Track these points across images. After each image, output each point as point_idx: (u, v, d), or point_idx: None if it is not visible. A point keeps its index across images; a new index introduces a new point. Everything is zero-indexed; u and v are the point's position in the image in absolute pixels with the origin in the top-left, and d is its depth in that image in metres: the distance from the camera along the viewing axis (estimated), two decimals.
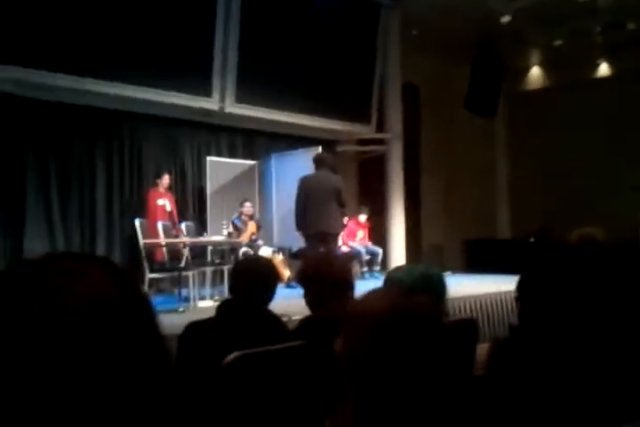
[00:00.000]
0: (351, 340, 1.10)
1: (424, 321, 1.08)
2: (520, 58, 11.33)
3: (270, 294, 2.50)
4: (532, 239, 9.95)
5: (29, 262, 0.62)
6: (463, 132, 11.17)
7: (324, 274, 2.43)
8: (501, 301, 5.91)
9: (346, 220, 8.07)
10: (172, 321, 2.47)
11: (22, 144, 6.77)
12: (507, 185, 11.87)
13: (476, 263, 9.56)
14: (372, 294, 1.28)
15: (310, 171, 6.42)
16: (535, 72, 11.86)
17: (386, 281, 2.78)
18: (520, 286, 1.77)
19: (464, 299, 5.60)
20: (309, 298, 2.51)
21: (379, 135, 9.34)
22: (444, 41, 9.73)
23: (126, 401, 0.58)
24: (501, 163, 11.98)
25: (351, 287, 2.51)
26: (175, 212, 7.43)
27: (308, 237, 6.12)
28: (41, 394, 0.54)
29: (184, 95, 7.17)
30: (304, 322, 2.58)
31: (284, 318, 3.90)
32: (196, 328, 2.38)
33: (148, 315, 0.64)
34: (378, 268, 8.56)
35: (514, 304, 2.21)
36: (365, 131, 9.25)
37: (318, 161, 6.30)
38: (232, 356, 2.00)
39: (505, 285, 5.75)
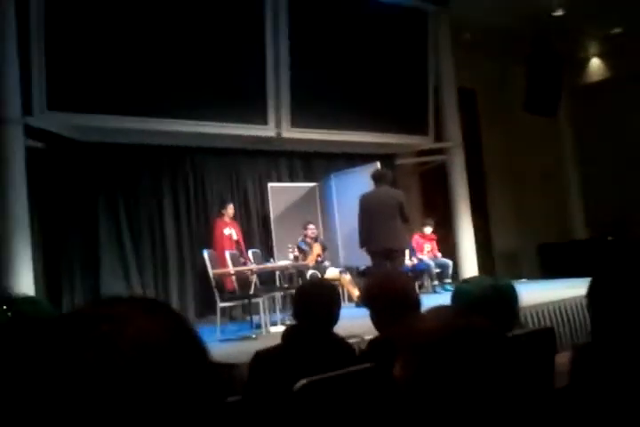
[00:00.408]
0: (407, 363, 1.05)
1: (480, 338, 1.03)
2: (578, 50, 10.98)
3: (334, 317, 2.47)
4: (609, 238, 9.52)
5: (77, 311, 0.63)
6: (526, 134, 10.86)
7: (386, 293, 2.39)
8: (581, 305, 5.64)
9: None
10: (246, 348, 2.48)
11: (92, 187, 7.07)
12: (578, 184, 11.44)
13: (553, 268, 9.22)
14: (427, 313, 1.24)
15: (370, 188, 6.40)
16: (595, 64, 11.45)
17: (454, 294, 2.70)
18: (591, 291, 1.67)
19: (540, 306, 5.38)
20: (375, 318, 2.47)
21: (438, 145, 9.18)
22: (497, 41, 9.50)
23: None
24: (570, 161, 11.56)
25: (417, 304, 2.45)
26: (241, 240, 7.54)
27: (373, 255, 6.07)
28: None
29: (240, 125, 7.29)
30: (371, 343, 2.53)
31: (356, 339, 3.86)
32: (263, 357, 2.38)
33: (200, 356, 0.63)
34: (449, 280, 8.37)
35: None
36: (424, 141, 9.11)
37: (377, 177, 6.29)
38: (301, 383, 1.98)
39: (584, 288, 5.48)
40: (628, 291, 1.48)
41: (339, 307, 2.53)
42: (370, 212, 6.03)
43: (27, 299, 1.41)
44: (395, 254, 5.97)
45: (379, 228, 5.95)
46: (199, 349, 0.64)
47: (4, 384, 0.57)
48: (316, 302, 2.41)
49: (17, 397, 0.55)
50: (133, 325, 0.59)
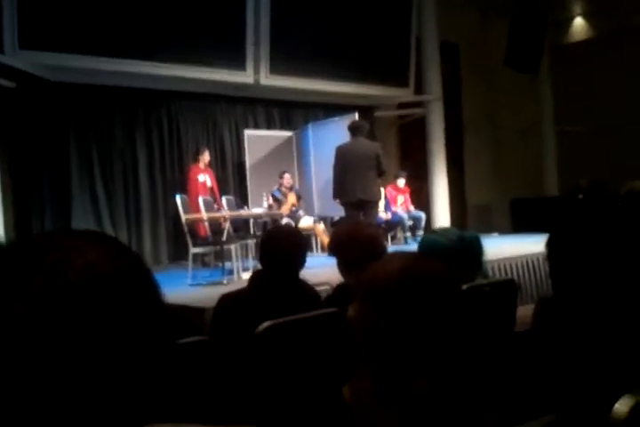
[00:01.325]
0: (362, 305, 1.06)
1: (435, 283, 1.04)
2: (562, 9, 10.83)
3: (300, 261, 2.48)
4: (580, 196, 9.65)
5: (27, 240, 0.62)
6: (506, 90, 10.81)
7: (353, 241, 2.41)
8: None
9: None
10: (217, 293, 2.50)
11: (64, 128, 6.93)
12: (554, 142, 11.49)
13: (525, 223, 9.35)
14: (387, 257, 1.24)
15: (347, 139, 6.35)
16: (579, 23, 11.34)
17: (421, 243, 2.74)
18: (550, 243, 1.69)
19: (508, 260, 5.50)
20: (341, 266, 2.49)
21: (417, 98, 9.11)
22: None
23: (128, 375, 0.58)
24: (548, 119, 11.57)
25: (383, 254, 2.47)
26: (216, 187, 7.51)
27: (346, 206, 6.08)
28: (41, 369, 0.54)
29: (218, 70, 7.13)
30: (336, 290, 2.57)
31: (325, 287, 3.91)
32: (228, 300, 2.40)
33: (149, 288, 0.63)
34: (422, 232, 8.46)
35: None
36: (404, 94, 9.02)
37: (354, 128, 6.23)
38: (264, 325, 2.01)
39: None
40: (585, 243, 1.49)
41: (304, 251, 2.54)
42: (345, 163, 6.00)
43: None
44: (368, 206, 5.99)
45: (353, 179, 5.94)
46: (150, 286, 0.63)
47: None
48: (281, 245, 2.42)
49: None
50: (83, 255, 0.58)
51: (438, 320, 1.01)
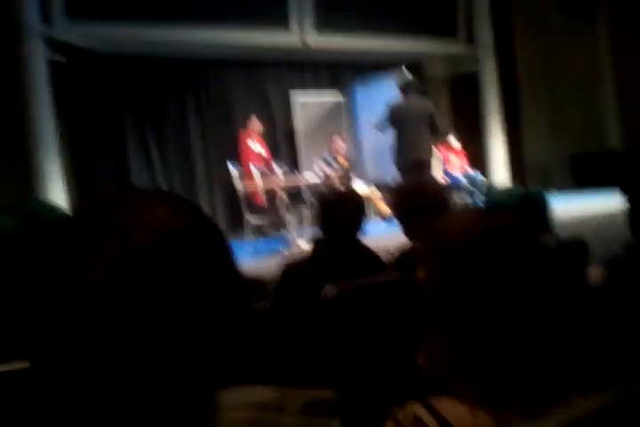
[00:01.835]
0: (433, 264, 1.00)
1: (512, 240, 0.96)
2: None
3: (358, 225, 2.42)
4: None
5: (96, 199, 0.61)
6: (563, 40, 10.30)
7: (419, 202, 2.32)
8: (615, 219, 5.53)
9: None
10: (278, 264, 2.49)
11: (118, 102, 7.05)
12: (615, 94, 10.95)
13: (587, 179, 9.01)
14: (454, 215, 1.17)
15: (397, 97, 6.18)
16: None
17: (485, 204, 2.65)
18: (632, 200, 1.59)
19: (573, 220, 5.30)
20: (405, 228, 2.43)
21: (469, 52, 8.77)
22: None
23: (203, 338, 0.57)
24: (607, 70, 11.02)
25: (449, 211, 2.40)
26: (268, 154, 7.48)
27: (403, 168, 5.97)
28: (120, 332, 0.53)
29: (263, 32, 6.98)
30: (402, 254, 2.51)
31: (383, 253, 3.86)
32: (292, 269, 2.38)
33: (222, 250, 0.61)
34: (480, 194, 8.27)
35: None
36: (453, 47, 8.67)
37: (405, 87, 6.05)
38: (333, 291, 1.98)
39: (618, 201, 5.37)
40: None
41: (362, 215, 2.48)
42: (399, 122, 5.85)
43: (33, 201, 1.41)
44: (423, 166, 5.84)
45: (408, 139, 5.79)
46: (223, 248, 0.61)
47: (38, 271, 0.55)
48: (341, 209, 2.37)
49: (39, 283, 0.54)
50: (154, 213, 0.56)
51: (515, 277, 0.93)
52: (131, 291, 0.53)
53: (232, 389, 0.58)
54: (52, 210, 1.33)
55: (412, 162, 5.81)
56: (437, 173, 7.90)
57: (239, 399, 0.56)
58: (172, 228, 0.56)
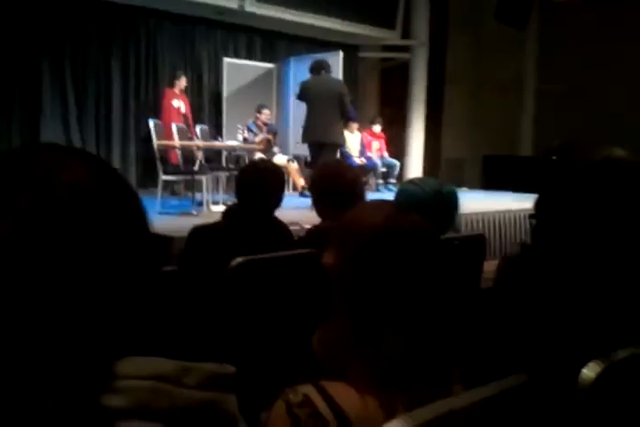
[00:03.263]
0: (341, 252, 1.04)
1: (417, 236, 1.02)
2: None
3: (277, 200, 2.44)
4: (554, 157, 9.72)
5: (11, 152, 0.58)
6: (493, 43, 10.62)
7: (335, 183, 2.37)
8: (515, 219, 5.86)
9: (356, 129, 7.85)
10: (186, 224, 2.46)
11: (37, 42, 6.61)
12: (533, 100, 11.43)
13: (495, 180, 9.41)
14: (367, 206, 1.21)
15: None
16: None
17: (399, 193, 2.72)
18: (538, 203, 1.69)
19: (477, 215, 5.55)
20: (318, 208, 2.47)
21: (403, 42, 8.93)
22: None
23: (111, 299, 0.56)
24: (530, 76, 11.46)
25: (361, 199, 2.45)
26: (190, 114, 7.31)
27: (309, 146, 5.94)
28: (25, 288, 0.52)
29: None
30: (311, 231, 2.55)
31: (295, 227, 3.90)
32: (201, 232, 2.36)
33: (136, 210, 0.61)
34: (394, 181, 8.47)
35: (527, 223, 2.16)
36: (389, 36, 8.83)
37: (316, 66, 5.92)
38: (237, 261, 1.98)
39: (521, 203, 5.68)
40: (573, 205, 1.49)
41: (282, 190, 2.50)
42: (311, 100, 5.73)
43: None
44: (326, 148, 5.72)
45: (314, 119, 5.68)
46: (137, 209, 0.61)
47: None
48: (261, 179, 2.37)
49: None
50: (71, 172, 0.56)
51: (418, 275, 1.00)
52: (39, 248, 0.52)
53: (132, 358, 0.56)
54: None
55: (316, 143, 5.76)
56: (355, 156, 8.02)
57: (138, 369, 0.55)
58: (84, 185, 0.56)
